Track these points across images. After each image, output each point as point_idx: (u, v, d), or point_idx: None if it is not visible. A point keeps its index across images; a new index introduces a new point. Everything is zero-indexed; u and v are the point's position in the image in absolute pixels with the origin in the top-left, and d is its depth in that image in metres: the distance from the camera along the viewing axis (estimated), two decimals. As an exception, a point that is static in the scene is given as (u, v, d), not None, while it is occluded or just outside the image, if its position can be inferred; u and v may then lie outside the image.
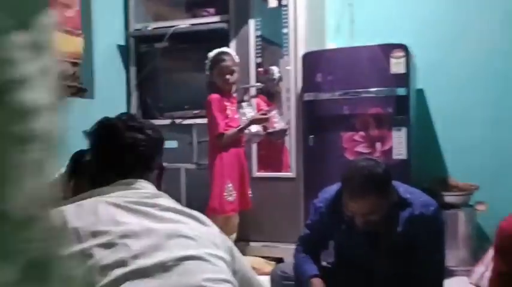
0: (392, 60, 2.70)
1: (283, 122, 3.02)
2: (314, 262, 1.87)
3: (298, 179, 3.08)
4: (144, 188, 1.08)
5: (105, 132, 1.14)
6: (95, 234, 0.92)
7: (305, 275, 1.83)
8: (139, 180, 1.09)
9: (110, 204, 0.99)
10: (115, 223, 0.95)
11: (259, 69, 3.19)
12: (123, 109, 3.52)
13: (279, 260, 3.00)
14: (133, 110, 3.52)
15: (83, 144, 3.11)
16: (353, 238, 1.74)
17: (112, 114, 3.61)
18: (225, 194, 2.63)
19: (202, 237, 1.00)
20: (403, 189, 1.73)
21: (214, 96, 2.68)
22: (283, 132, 3.04)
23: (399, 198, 1.69)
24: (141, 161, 1.12)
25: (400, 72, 2.70)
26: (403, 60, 2.69)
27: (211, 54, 2.75)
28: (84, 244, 0.90)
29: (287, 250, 2.92)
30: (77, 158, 1.80)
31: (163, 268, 0.91)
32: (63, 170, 1.85)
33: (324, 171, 2.84)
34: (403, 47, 2.71)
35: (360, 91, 2.78)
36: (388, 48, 2.73)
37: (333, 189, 1.80)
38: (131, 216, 0.98)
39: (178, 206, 1.07)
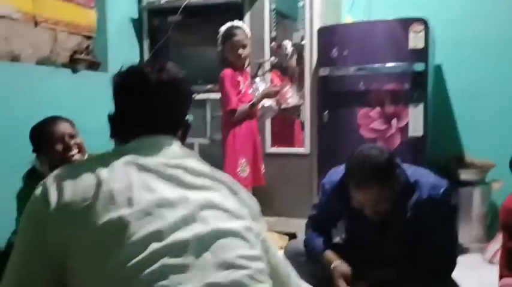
0: (411, 35, 2.64)
1: (297, 98, 2.98)
2: (324, 238, 1.87)
3: (312, 155, 3.07)
4: (173, 146, 1.01)
5: (134, 82, 1.03)
6: (130, 201, 0.86)
7: (315, 251, 1.84)
8: (167, 137, 1.02)
9: (141, 168, 0.92)
10: (148, 189, 0.89)
11: (273, 43, 3.14)
12: (137, 83, 3.51)
13: (292, 235, 3.03)
14: (147, 84, 3.51)
15: (97, 117, 3.12)
16: (361, 222, 1.72)
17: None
18: (238, 170, 2.62)
19: (234, 207, 0.97)
20: (411, 171, 1.68)
21: (227, 71, 2.64)
22: (297, 108, 3.01)
23: (407, 183, 1.65)
24: (170, 116, 1.04)
25: (418, 47, 2.64)
26: (422, 34, 2.63)
27: (223, 28, 2.69)
28: (120, 210, 0.85)
29: (300, 225, 2.92)
30: (33, 134, 1.86)
31: (198, 242, 0.87)
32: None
33: (338, 147, 2.82)
34: (422, 21, 2.64)
35: (377, 66, 2.73)
36: (407, 23, 2.66)
37: (340, 170, 1.76)
38: (163, 183, 0.92)
39: (208, 169, 1.01)
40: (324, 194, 1.84)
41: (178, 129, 1.08)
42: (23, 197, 1.82)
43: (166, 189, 0.91)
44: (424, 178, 1.68)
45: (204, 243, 0.88)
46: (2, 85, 2.36)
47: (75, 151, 1.85)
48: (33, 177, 1.86)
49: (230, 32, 2.65)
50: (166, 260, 0.83)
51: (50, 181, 0.92)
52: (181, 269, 0.84)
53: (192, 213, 0.90)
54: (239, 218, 0.96)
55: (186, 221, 0.88)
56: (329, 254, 1.80)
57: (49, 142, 1.83)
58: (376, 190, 1.56)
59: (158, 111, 1.02)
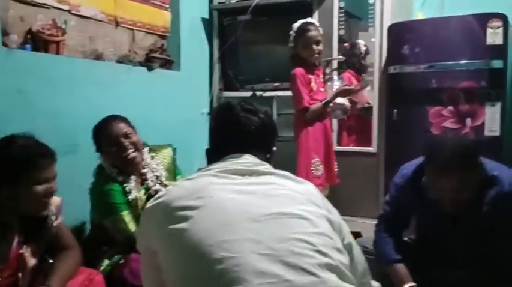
0: (489, 31, 2.53)
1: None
2: (396, 242, 1.80)
3: (379, 154, 3.03)
4: (246, 160, 1.16)
5: (222, 111, 1.27)
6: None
7: (387, 258, 1.76)
8: (244, 154, 1.17)
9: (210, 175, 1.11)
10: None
11: (346, 43, 3.13)
12: (206, 81, 3.63)
13: (356, 235, 3.00)
14: (216, 82, 3.62)
15: (169, 113, 3.25)
16: (434, 216, 1.69)
17: (196, 86, 3.75)
18: (312, 168, 2.59)
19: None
20: (491, 166, 1.63)
21: (298, 70, 2.61)
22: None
23: (486, 176, 1.60)
24: (250, 139, 1.20)
25: (496, 43, 2.54)
26: (501, 30, 2.52)
27: (296, 25, 2.66)
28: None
29: (365, 225, 2.90)
30: (93, 135, 1.98)
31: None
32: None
33: (407, 146, 2.75)
34: (501, 17, 2.53)
35: (450, 64, 2.64)
36: (484, 18, 2.56)
37: (412, 164, 1.74)
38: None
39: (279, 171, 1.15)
40: (396, 189, 1.81)
41: (259, 153, 1.22)
42: (94, 192, 1.96)
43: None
44: (506, 172, 1.62)
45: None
46: (87, 81, 2.54)
47: (130, 150, 1.95)
48: (101, 173, 1.98)
49: (304, 28, 2.62)
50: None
51: None
52: None
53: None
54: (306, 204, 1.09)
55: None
56: (399, 269, 1.70)
57: (106, 144, 1.95)
58: (460, 175, 1.51)
59: (240, 133, 1.21)
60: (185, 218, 1.00)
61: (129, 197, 1.93)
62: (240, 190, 1.05)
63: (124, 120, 2.01)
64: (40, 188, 1.46)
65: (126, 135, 1.96)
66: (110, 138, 1.93)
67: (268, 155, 1.25)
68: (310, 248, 0.96)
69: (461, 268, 1.69)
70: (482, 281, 1.65)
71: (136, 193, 1.95)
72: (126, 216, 1.88)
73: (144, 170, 2.03)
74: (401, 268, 1.70)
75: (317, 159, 2.60)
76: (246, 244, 0.94)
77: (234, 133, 1.21)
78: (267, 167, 1.16)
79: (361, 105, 2.97)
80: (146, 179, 2.03)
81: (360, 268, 1.17)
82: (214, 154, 1.22)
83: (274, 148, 1.28)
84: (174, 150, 2.24)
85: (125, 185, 1.94)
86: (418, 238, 1.92)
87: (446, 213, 1.64)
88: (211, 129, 1.29)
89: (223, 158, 1.17)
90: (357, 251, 1.18)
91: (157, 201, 1.09)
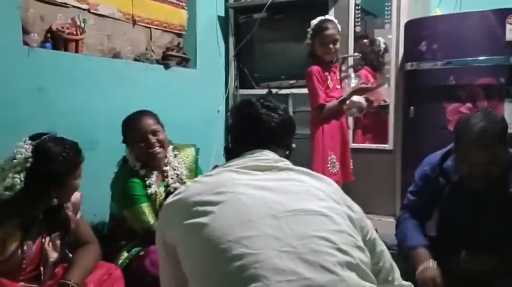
0: (508, 27, 2.50)
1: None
2: (418, 229, 1.81)
3: (396, 151, 3.01)
4: (266, 156, 1.16)
5: (243, 108, 1.28)
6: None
7: (413, 242, 1.76)
8: (264, 150, 1.18)
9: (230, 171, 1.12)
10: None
11: (365, 40, 3.11)
12: (222, 79, 3.65)
13: (373, 232, 2.99)
14: (231, 79, 3.64)
15: (185, 110, 3.27)
16: (459, 200, 1.72)
17: (212, 84, 3.76)
18: (328, 165, 2.56)
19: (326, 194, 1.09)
20: None
21: (315, 67, 2.58)
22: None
23: (511, 159, 1.64)
24: (271, 135, 1.21)
25: (516, 39, 2.51)
26: (520, 26, 2.49)
27: (314, 22, 2.61)
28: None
29: (381, 222, 2.89)
30: (122, 127, 2.01)
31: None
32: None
33: (424, 144, 2.74)
34: (520, 12, 2.50)
35: (468, 60, 2.61)
36: (503, 14, 2.52)
37: (437, 154, 1.79)
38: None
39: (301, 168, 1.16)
40: (421, 178, 1.84)
41: (279, 149, 1.23)
42: (116, 184, 1.99)
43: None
44: None
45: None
46: (106, 79, 2.57)
47: (157, 147, 1.98)
48: (125, 166, 2.02)
49: (322, 26, 2.57)
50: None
51: None
52: None
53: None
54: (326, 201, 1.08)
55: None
56: (420, 252, 1.71)
57: (134, 138, 1.97)
58: (494, 148, 1.56)
59: (260, 129, 1.21)
60: (205, 213, 1.00)
61: (149, 191, 1.96)
62: (261, 186, 1.05)
63: (154, 116, 2.04)
64: (78, 181, 1.57)
65: (154, 132, 1.98)
66: (138, 134, 1.97)
67: (287, 152, 1.25)
68: (330, 246, 0.95)
69: (486, 254, 1.68)
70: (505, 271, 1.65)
71: (156, 187, 1.99)
72: (146, 208, 1.92)
73: (165, 168, 2.06)
74: (420, 251, 1.72)
75: (333, 156, 2.57)
76: (266, 240, 0.94)
77: (254, 130, 1.21)
78: (286, 163, 1.17)
79: (377, 103, 2.95)
80: (167, 177, 2.06)
81: (386, 264, 1.16)
82: (233, 151, 1.22)
83: (293, 145, 1.28)
84: (197, 150, 2.25)
85: (145, 179, 1.98)
86: (440, 227, 1.92)
87: (472, 195, 1.68)
88: (230, 126, 1.29)
89: (242, 155, 1.18)
90: (381, 247, 1.17)
91: (176, 197, 1.09)
